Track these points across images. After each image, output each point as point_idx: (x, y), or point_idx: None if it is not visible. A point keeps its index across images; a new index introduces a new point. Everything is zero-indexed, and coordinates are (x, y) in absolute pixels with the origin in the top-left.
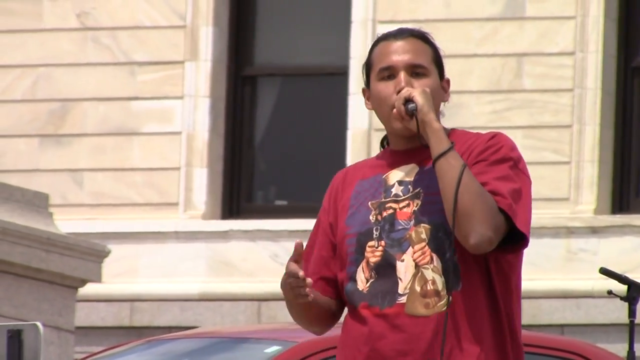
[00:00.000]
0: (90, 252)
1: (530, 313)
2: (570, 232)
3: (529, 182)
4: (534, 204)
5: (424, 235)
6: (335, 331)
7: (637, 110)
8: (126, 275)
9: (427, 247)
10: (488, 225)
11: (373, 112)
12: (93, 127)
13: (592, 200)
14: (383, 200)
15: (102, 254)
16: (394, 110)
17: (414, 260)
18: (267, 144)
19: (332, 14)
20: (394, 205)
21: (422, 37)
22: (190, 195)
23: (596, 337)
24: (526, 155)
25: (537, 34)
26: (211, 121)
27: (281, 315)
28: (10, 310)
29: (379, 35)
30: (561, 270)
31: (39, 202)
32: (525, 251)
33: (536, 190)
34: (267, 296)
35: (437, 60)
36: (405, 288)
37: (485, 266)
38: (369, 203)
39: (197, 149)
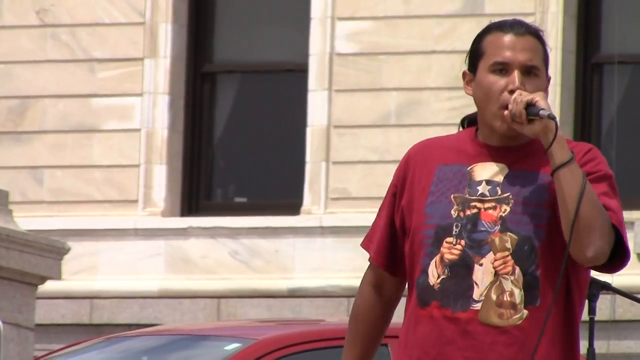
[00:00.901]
0: (50, 249)
1: None
2: None
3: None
4: None
5: (508, 245)
6: (294, 328)
7: (597, 106)
8: (86, 272)
9: (510, 257)
10: (607, 239)
11: (332, 109)
12: (53, 124)
13: None
14: (468, 196)
15: (62, 251)
16: (506, 111)
17: (494, 268)
18: (227, 141)
19: (291, 11)
20: (478, 204)
21: (537, 35)
22: (150, 193)
23: None
24: None
25: None
26: (170, 118)
27: (241, 312)
28: None
29: (492, 23)
30: None
31: None
32: None
33: None
34: (227, 293)
35: (546, 60)
36: (481, 295)
37: (567, 284)
38: (452, 196)
39: (157, 146)
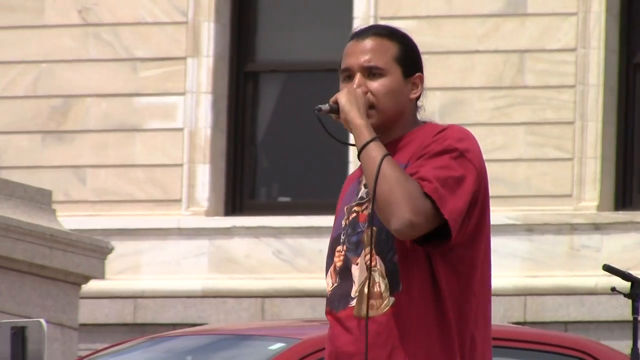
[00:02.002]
0: (93, 249)
1: (533, 310)
2: (573, 228)
3: (475, 172)
4: (536, 201)
5: (372, 238)
6: None
7: (639, 106)
8: (129, 272)
9: (374, 249)
10: (406, 209)
11: None
12: (95, 123)
13: (595, 197)
14: (353, 204)
15: (105, 251)
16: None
17: (366, 264)
18: (270, 140)
19: (334, 10)
20: (357, 208)
21: (388, 34)
22: (193, 192)
23: (600, 334)
24: (528, 152)
25: (539, 31)
26: (213, 117)
27: (285, 311)
28: (13, 307)
29: (351, 33)
30: (564, 267)
31: (41, 199)
32: (528, 248)
33: (539, 186)
34: (271, 293)
35: (403, 58)
36: (356, 291)
37: (429, 266)
38: (345, 207)
39: (200, 145)
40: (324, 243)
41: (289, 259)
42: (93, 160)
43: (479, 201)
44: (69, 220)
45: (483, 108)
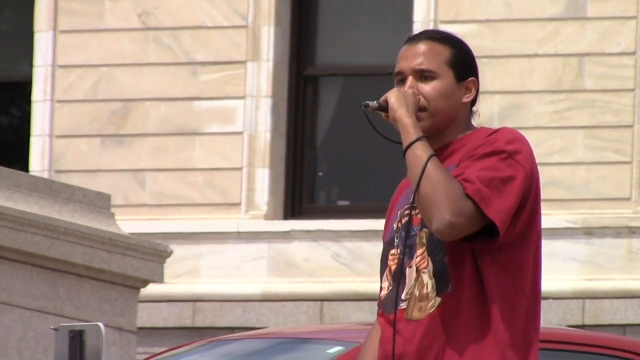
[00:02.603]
0: (152, 253)
1: (592, 313)
2: (632, 232)
3: (524, 172)
4: (595, 204)
5: (424, 240)
6: None
7: None
8: (188, 275)
9: (425, 251)
10: (446, 210)
11: None
12: (154, 127)
13: None
14: (406, 207)
15: (164, 255)
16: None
17: (416, 265)
18: (329, 144)
19: (394, 14)
20: (411, 211)
21: (441, 39)
22: (252, 196)
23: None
24: (587, 155)
25: (598, 34)
26: (273, 121)
27: (343, 315)
28: (72, 311)
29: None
30: (623, 270)
31: (100, 203)
32: (587, 251)
33: (598, 190)
34: (330, 296)
35: (455, 62)
36: (407, 293)
37: (477, 266)
38: (399, 212)
39: (259, 149)
40: (382, 246)
41: (348, 263)
42: (152, 164)
43: (529, 202)
44: (127, 224)
45: (542, 112)
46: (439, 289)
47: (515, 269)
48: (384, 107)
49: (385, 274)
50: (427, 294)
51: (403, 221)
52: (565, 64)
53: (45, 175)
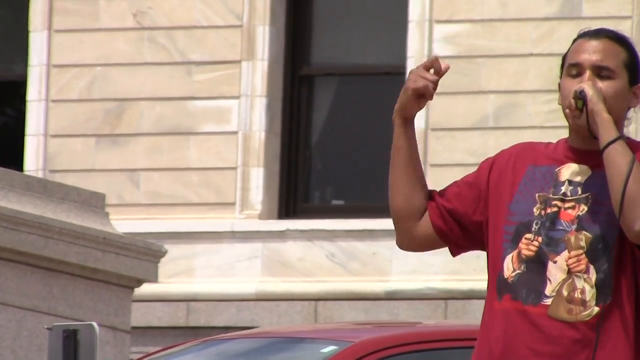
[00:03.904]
0: (146, 252)
1: None
2: None
3: None
4: None
5: (583, 243)
6: (391, 331)
7: None
8: (182, 275)
9: (584, 255)
10: None
11: (429, 111)
12: (149, 126)
13: None
14: (551, 196)
15: (159, 254)
16: (568, 106)
17: (568, 266)
18: (324, 143)
19: (389, 14)
20: (559, 203)
21: (618, 39)
22: (247, 195)
23: None
24: None
25: None
26: (268, 121)
27: (337, 314)
28: (66, 310)
29: (580, 32)
30: None
31: (95, 202)
32: None
33: None
34: (324, 296)
35: (630, 65)
36: (553, 290)
37: (637, 282)
38: (537, 195)
39: (254, 148)
40: (377, 246)
41: (342, 262)
42: (147, 163)
43: None
44: (122, 223)
45: (537, 111)
46: (599, 299)
47: None
48: (584, 99)
49: (512, 255)
50: (584, 300)
51: (549, 210)
52: (560, 63)
53: (40, 174)
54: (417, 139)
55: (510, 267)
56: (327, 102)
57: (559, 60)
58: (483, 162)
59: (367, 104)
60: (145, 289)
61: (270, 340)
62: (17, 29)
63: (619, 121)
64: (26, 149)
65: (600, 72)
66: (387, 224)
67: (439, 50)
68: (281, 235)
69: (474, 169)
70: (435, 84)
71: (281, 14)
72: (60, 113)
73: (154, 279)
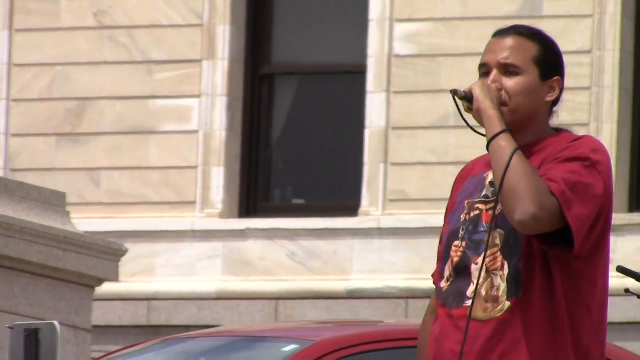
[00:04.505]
0: (107, 251)
1: None
2: None
3: (604, 185)
4: None
5: (498, 241)
6: (352, 330)
7: None
8: (143, 274)
9: (499, 253)
10: (532, 202)
11: (390, 110)
12: (110, 125)
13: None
14: (475, 200)
15: (119, 253)
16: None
17: (486, 265)
18: (285, 142)
19: (349, 13)
20: (481, 206)
21: (530, 35)
22: (208, 194)
23: (613, 336)
24: None
25: (554, 33)
26: (228, 120)
27: (299, 313)
28: (27, 309)
29: (494, 32)
30: None
31: (56, 201)
32: None
33: None
34: (285, 295)
35: (542, 60)
36: (472, 291)
37: (549, 275)
38: (466, 202)
39: (214, 147)
40: (338, 245)
41: (303, 261)
42: (107, 162)
43: (602, 217)
44: (83, 222)
45: None
46: (510, 293)
47: (586, 286)
48: (469, 98)
49: (447, 265)
50: (497, 296)
51: (472, 214)
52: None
53: (1, 173)
54: (377, 137)
55: (445, 276)
56: (288, 101)
57: None
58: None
59: (328, 103)
60: (106, 288)
61: (232, 339)
62: None
63: (538, 116)
64: None
65: (507, 69)
66: (348, 223)
67: (400, 49)
68: (242, 234)
69: (435, 167)
70: None
71: (242, 13)
72: (21, 112)
73: (114, 278)
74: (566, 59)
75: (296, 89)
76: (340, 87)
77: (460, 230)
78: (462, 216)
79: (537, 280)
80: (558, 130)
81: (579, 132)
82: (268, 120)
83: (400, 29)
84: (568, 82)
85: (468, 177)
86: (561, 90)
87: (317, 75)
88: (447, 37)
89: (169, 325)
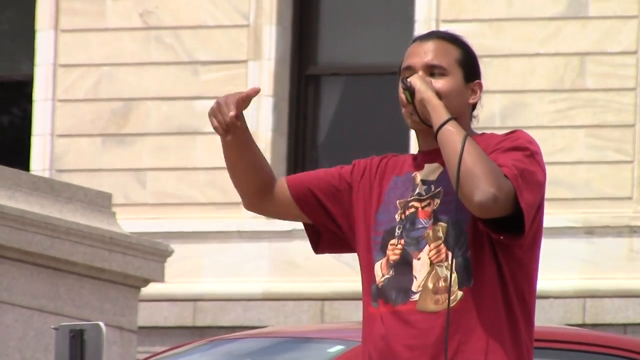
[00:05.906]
0: (153, 252)
1: (593, 312)
2: (632, 231)
3: (544, 175)
4: (596, 203)
5: (440, 234)
6: None
7: None
8: (189, 275)
9: (442, 245)
10: (491, 183)
11: None
12: (156, 126)
13: None
14: (408, 199)
15: (165, 254)
16: (402, 104)
17: (430, 259)
18: (331, 143)
19: (395, 13)
20: (416, 204)
21: (451, 39)
22: None
23: None
24: (588, 155)
25: (599, 33)
26: (274, 121)
27: (345, 314)
28: (72, 310)
29: (413, 38)
30: (624, 270)
31: (101, 202)
32: (588, 251)
33: (599, 189)
34: (331, 295)
35: (465, 62)
36: (419, 286)
37: (497, 263)
38: (397, 202)
39: (261, 148)
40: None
41: (349, 262)
42: (153, 163)
43: (541, 207)
44: (128, 223)
45: (544, 111)
46: (461, 282)
47: (525, 273)
48: (412, 90)
49: (380, 263)
50: (446, 287)
51: (407, 213)
52: (566, 63)
53: (47, 174)
54: None
55: (379, 274)
56: (333, 101)
57: (565, 60)
58: (358, 160)
59: (373, 103)
60: (152, 288)
61: (277, 340)
62: (24, 29)
63: (463, 118)
64: (33, 149)
65: (432, 70)
66: None
67: None
68: (288, 234)
69: None
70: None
71: (288, 13)
72: (67, 113)
73: (160, 278)
74: (611, 60)
75: (342, 90)
76: (387, 87)
77: (397, 229)
78: (396, 216)
79: (488, 269)
80: (482, 134)
81: (625, 134)
82: (314, 120)
83: (446, 29)
84: (614, 82)
85: (392, 176)
86: (480, 94)
87: (362, 76)
88: (493, 37)
89: (214, 326)
